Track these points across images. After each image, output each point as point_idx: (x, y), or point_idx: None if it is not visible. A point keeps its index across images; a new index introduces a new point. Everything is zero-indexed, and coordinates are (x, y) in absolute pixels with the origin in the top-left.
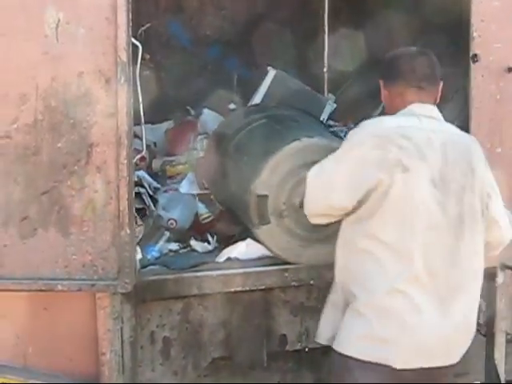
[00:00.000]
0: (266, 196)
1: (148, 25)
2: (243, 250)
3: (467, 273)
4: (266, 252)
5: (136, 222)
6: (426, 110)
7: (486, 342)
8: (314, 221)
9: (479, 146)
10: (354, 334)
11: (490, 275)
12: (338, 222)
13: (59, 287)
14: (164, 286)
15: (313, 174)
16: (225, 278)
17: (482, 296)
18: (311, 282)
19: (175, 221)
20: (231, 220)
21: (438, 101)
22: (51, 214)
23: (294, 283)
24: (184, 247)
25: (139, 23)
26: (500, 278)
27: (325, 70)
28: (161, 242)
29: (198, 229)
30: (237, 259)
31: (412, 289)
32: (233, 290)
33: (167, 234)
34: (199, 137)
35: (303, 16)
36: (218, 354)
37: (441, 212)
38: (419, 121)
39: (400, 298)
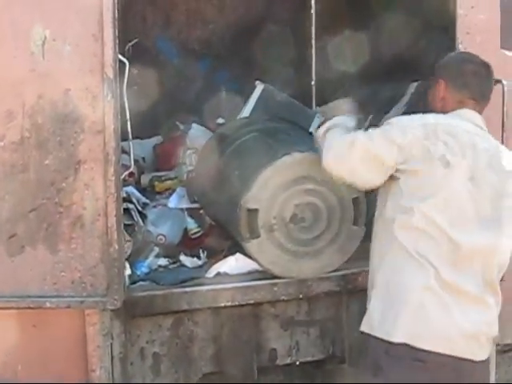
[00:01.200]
0: (256, 210)
1: (135, 40)
2: (233, 264)
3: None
4: (256, 266)
5: (124, 238)
6: (475, 118)
7: None
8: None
9: None
10: None
11: None
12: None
13: (48, 304)
14: (153, 302)
15: (363, 141)
16: (214, 293)
17: None
18: (300, 295)
19: (164, 236)
20: (221, 234)
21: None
22: (39, 232)
23: (283, 297)
24: (173, 262)
25: (127, 39)
26: None
27: (312, 83)
28: (150, 258)
29: (188, 244)
30: (226, 274)
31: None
32: (222, 304)
33: (156, 249)
34: (188, 152)
35: (291, 29)
36: (209, 370)
37: (473, 210)
38: (467, 124)
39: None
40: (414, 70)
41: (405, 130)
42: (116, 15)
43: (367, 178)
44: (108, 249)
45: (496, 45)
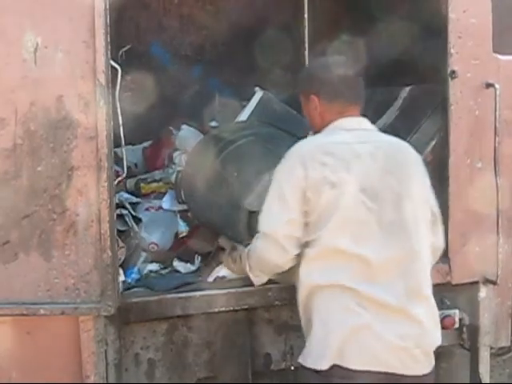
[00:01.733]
0: (257, 212)
1: (128, 46)
2: None
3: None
4: None
5: (118, 245)
6: (353, 124)
7: (471, 356)
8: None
9: (415, 153)
10: None
11: (472, 289)
12: None
13: (42, 311)
14: (147, 308)
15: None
16: (208, 298)
17: (464, 310)
18: (294, 300)
19: (156, 245)
20: (207, 235)
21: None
22: (33, 238)
23: (277, 302)
24: (165, 267)
25: (120, 45)
26: (482, 293)
27: None
28: (138, 264)
29: (175, 245)
30: (225, 277)
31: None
32: (216, 310)
33: (144, 254)
34: (177, 152)
35: (286, 34)
36: (203, 375)
37: (375, 220)
38: (344, 135)
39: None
40: (412, 73)
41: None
42: (108, 22)
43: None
44: (101, 255)
45: (488, 49)
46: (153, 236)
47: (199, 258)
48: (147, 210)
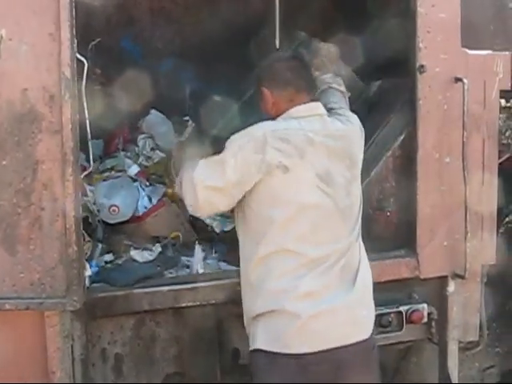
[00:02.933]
0: None
1: (98, 40)
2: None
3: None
4: None
5: (84, 239)
6: (306, 110)
7: (439, 350)
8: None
9: (359, 137)
10: None
11: (441, 284)
12: None
13: (7, 306)
14: (114, 303)
15: (200, 179)
16: (175, 293)
17: (433, 304)
18: None
19: (117, 207)
20: (170, 217)
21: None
22: None
23: None
24: (120, 256)
25: (89, 38)
26: (451, 287)
27: None
28: (96, 256)
29: (135, 220)
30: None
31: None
32: (184, 305)
33: (99, 245)
34: (141, 136)
35: (256, 29)
36: (171, 370)
37: (332, 204)
38: (298, 122)
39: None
40: (381, 67)
41: (235, 152)
42: (73, 14)
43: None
44: (67, 250)
45: (457, 43)
46: (112, 200)
47: (157, 245)
48: (105, 180)
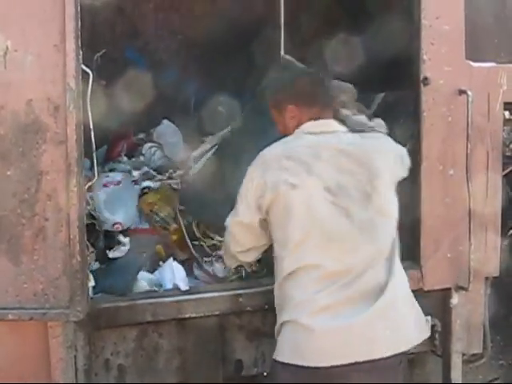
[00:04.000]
0: None
1: (103, 51)
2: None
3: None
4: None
5: (88, 249)
6: (316, 127)
7: (443, 362)
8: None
9: (387, 150)
10: None
11: (444, 296)
12: None
13: (10, 316)
14: (118, 314)
15: (229, 221)
16: (178, 304)
17: (437, 317)
18: (266, 306)
19: (121, 224)
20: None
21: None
22: (1, 243)
23: (248, 308)
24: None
25: (95, 49)
26: (454, 299)
27: None
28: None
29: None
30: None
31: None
32: (187, 316)
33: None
34: (149, 144)
35: (260, 40)
36: (174, 381)
37: (345, 216)
38: (308, 138)
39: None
40: (386, 79)
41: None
42: (79, 25)
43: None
44: (71, 260)
45: (461, 55)
46: (116, 216)
47: (127, 237)
48: (105, 186)
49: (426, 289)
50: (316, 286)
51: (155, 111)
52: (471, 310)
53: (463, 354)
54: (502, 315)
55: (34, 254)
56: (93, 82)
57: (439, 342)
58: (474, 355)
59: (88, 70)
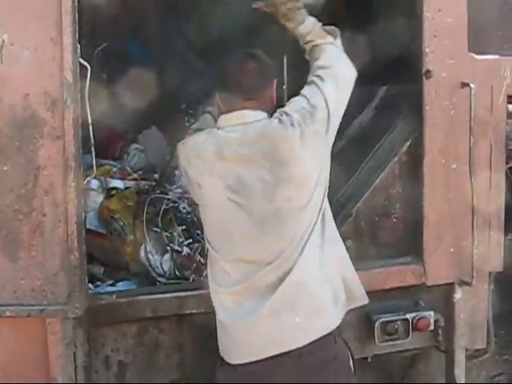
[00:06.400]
0: None
1: (104, 45)
2: None
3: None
4: None
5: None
6: (226, 121)
7: (446, 358)
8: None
9: (291, 137)
10: None
11: (447, 291)
12: None
13: (8, 313)
14: (117, 310)
15: None
16: (178, 300)
17: (440, 312)
18: None
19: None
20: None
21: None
22: None
23: None
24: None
25: (96, 43)
26: (458, 294)
27: (284, 87)
28: None
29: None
30: None
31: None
32: (187, 312)
33: None
34: (134, 146)
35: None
36: (175, 377)
37: (246, 214)
38: (214, 136)
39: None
40: (388, 72)
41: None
42: (76, 19)
43: None
44: (69, 256)
45: (464, 48)
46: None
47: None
48: None
49: (428, 284)
50: (226, 283)
51: (157, 106)
52: (475, 305)
53: (467, 350)
54: (505, 310)
55: (31, 249)
56: (93, 76)
57: (442, 337)
58: (477, 350)
59: (86, 64)
